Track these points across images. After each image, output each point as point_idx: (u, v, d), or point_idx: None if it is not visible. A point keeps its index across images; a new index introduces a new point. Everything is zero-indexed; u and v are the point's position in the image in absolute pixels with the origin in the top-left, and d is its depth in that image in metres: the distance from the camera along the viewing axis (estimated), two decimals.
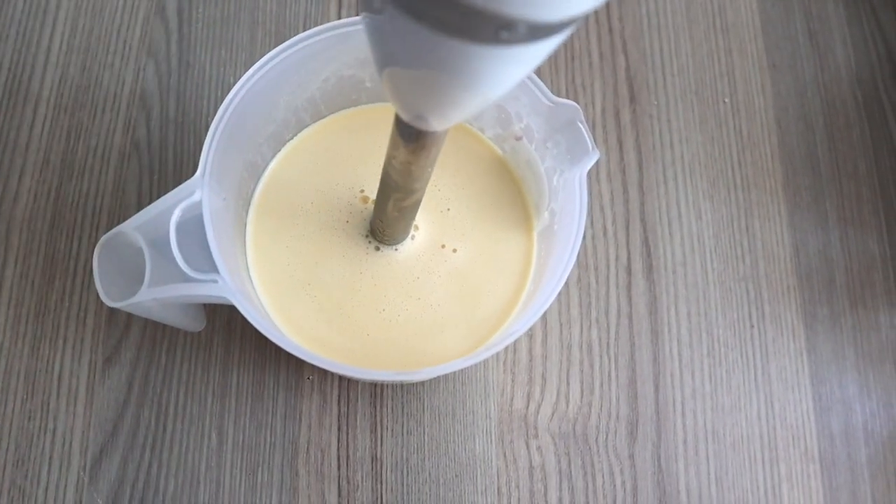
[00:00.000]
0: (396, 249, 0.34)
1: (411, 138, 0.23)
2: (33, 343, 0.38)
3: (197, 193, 0.27)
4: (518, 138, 0.34)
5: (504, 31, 0.14)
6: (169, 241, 0.26)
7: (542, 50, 0.16)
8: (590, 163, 0.29)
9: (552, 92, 0.30)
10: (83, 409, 0.37)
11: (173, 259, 0.26)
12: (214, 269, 0.26)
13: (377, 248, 0.34)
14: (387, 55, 0.18)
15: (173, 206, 0.27)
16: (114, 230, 0.27)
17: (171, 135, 0.41)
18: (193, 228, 0.27)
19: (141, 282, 0.26)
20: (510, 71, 0.17)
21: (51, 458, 0.36)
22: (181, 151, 0.41)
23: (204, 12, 0.44)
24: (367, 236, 0.34)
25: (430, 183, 0.35)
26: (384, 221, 0.31)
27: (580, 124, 0.29)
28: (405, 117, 0.21)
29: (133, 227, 0.27)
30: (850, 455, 0.39)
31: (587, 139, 0.29)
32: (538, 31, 0.15)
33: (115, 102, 0.42)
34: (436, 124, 0.21)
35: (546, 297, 0.27)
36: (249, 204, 0.35)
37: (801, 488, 0.38)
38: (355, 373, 0.26)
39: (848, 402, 0.40)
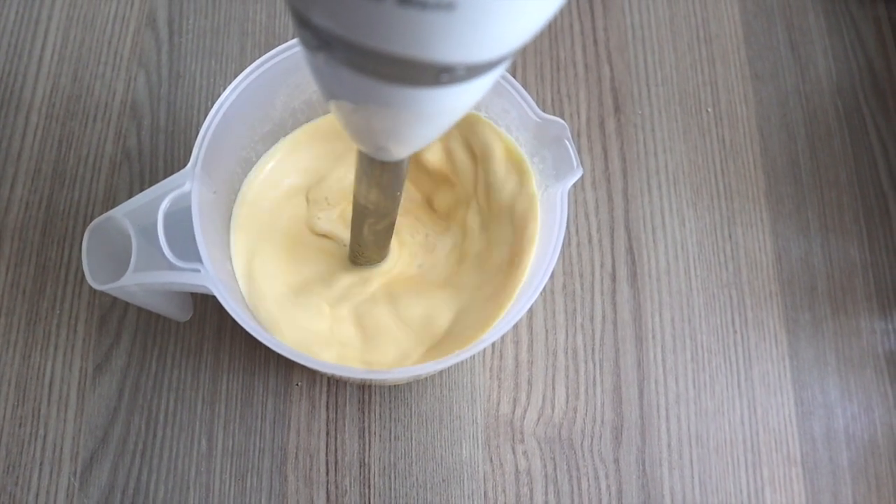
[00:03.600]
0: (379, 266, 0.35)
1: (374, 165, 0.23)
2: (24, 350, 0.38)
3: (187, 184, 0.28)
4: None
5: (444, 74, 0.14)
6: (157, 228, 0.27)
7: (485, 82, 0.16)
8: (573, 179, 0.29)
9: (538, 102, 0.31)
10: (74, 415, 0.37)
11: (160, 247, 0.27)
12: (199, 260, 0.27)
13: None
14: (328, 91, 0.18)
15: (163, 195, 0.27)
16: (104, 215, 0.27)
17: (161, 144, 0.42)
18: (183, 219, 0.27)
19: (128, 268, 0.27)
20: (456, 105, 0.17)
21: (41, 464, 0.36)
22: (172, 160, 0.41)
23: (194, 23, 0.44)
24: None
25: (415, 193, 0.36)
26: (361, 245, 0.31)
27: (567, 142, 0.30)
28: (358, 145, 0.21)
29: (123, 213, 0.27)
30: (831, 458, 0.39)
31: (573, 157, 0.29)
32: (477, 70, 0.15)
33: (106, 112, 0.42)
34: (395, 153, 0.21)
35: (519, 308, 0.27)
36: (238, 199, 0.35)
37: (783, 492, 0.39)
38: (327, 368, 0.27)
39: (829, 406, 0.40)
